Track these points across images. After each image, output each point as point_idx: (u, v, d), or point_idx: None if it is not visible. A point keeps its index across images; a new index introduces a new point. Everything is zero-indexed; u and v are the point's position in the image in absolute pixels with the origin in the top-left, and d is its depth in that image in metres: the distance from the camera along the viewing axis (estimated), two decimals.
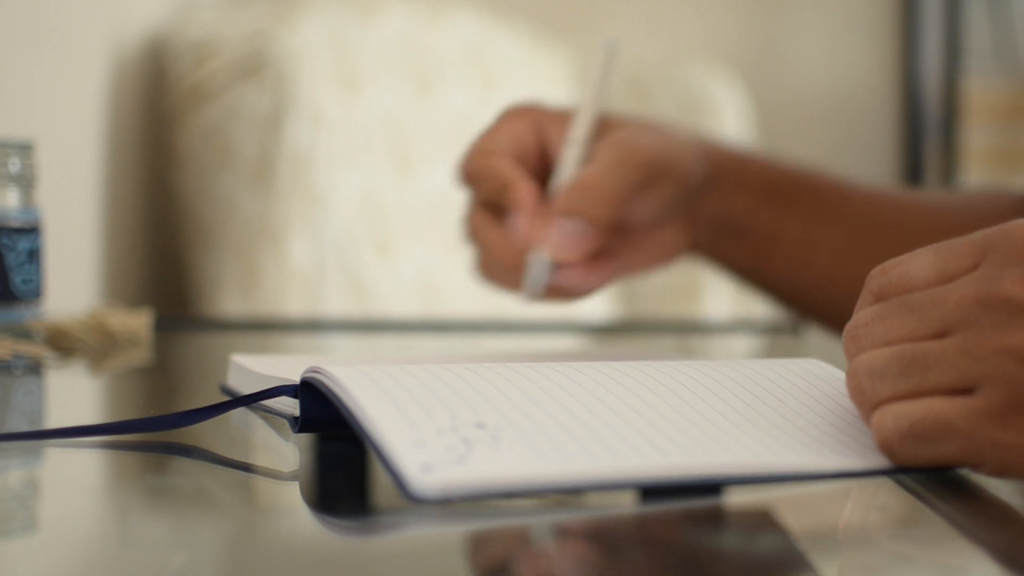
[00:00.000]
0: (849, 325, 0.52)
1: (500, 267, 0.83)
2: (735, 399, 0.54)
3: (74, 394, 0.82)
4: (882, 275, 0.53)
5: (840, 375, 0.58)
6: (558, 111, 0.86)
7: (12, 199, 0.90)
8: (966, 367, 0.48)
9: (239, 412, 0.63)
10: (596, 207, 0.79)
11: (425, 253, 1.61)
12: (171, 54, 1.52)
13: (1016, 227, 0.50)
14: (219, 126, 1.48)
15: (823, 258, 0.92)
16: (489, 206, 0.83)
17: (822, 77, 2.30)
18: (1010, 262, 0.49)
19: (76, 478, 0.55)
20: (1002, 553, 0.46)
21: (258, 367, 0.66)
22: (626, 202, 0.80)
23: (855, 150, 2.30)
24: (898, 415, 0.49)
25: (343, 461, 0.56)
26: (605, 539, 0.47)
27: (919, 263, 0.52)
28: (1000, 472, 0.49)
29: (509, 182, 0.80)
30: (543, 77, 1.83)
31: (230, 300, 1.47)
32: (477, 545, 0.46)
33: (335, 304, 1.50)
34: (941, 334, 0.49)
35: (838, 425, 0.53)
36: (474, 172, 0.83)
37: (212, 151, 1.48)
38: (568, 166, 0.81)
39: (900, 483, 0.52)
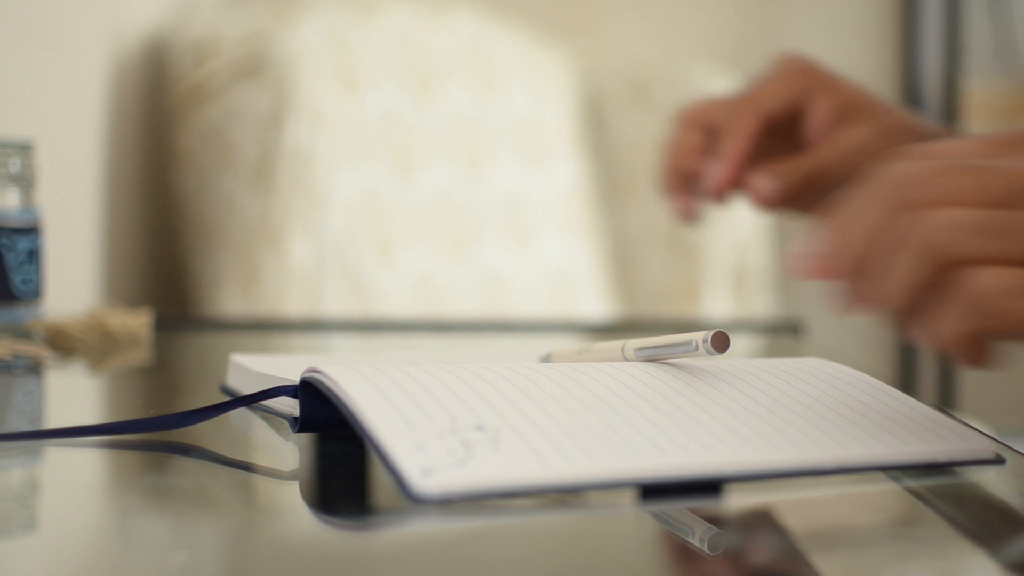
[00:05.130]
0: (903, 169, 0.51)
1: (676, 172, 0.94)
2: (736, 399, 0.54)
3: (74, 394, 0.82)
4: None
5: (845, 373, 0.58)
6: (831, 78, 0.91)
7: (12, 199, 0.90)
8: None
9: (239, 412, 0.63)
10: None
11: (425, 253, 1.61)
12: (171, 54, 1.52)
13: None
14: (219, 126, 1.48)
15: None
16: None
17: None
18: None
19: (76, 478, 0.55)
20: (1002, 553, 0.46)
21: (258, 367, 0.66)
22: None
23: None
24: (1002, 271, 0.48)
25: (343, 461, 0.56)
26: (605, 538, 0.47)
27: (955, 145, 0.52)
28: None
29: (736, 134, 0.89)
30: (543, 77, 1.82)
31: (230, 300, 1.46)
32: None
33: (335, 304, 1.50)
34: (1011, 206, 0.49)
35: (839, 424, 0.53)
36: (731, 116, 0.91)
37: (212, 151, 1.48)
38: None
39: (900, 483, 0.52)
